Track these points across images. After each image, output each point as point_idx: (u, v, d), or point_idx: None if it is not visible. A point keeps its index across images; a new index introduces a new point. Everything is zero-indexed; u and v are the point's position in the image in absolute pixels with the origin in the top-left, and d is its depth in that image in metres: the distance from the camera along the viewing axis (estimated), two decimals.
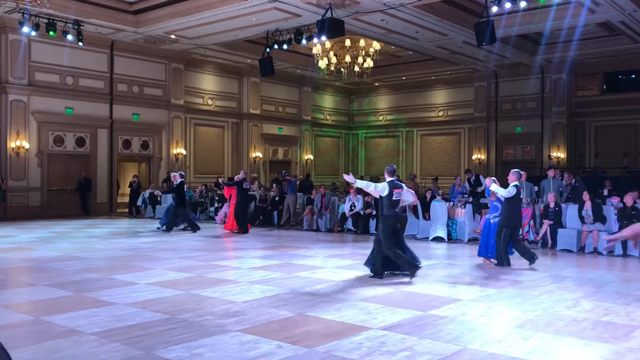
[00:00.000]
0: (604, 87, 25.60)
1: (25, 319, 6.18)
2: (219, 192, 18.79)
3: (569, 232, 12.03)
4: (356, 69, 20.86)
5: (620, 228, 11.34)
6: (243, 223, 15.17)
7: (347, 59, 20.37)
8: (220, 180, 16.51)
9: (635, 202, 11.47)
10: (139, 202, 20.46)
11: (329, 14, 16.10)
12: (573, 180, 14.51)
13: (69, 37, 17.71)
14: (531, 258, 9.74)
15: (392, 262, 8.66)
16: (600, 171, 20.37)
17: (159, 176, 22.64)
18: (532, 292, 7.69)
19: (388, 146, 30.93)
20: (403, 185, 9.07)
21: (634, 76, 24.63)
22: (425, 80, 28.89)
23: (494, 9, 14.72)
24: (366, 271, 8.90)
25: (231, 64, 25.19)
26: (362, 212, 15.18)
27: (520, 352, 5.07)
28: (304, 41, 18.26)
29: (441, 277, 8.89)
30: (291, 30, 18.48)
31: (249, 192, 19.43)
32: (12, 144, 18.65)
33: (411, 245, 12.96)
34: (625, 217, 11.24)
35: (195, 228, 15.34)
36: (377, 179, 18.48)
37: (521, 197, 10.44)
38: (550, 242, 12.20)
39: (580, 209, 11.97)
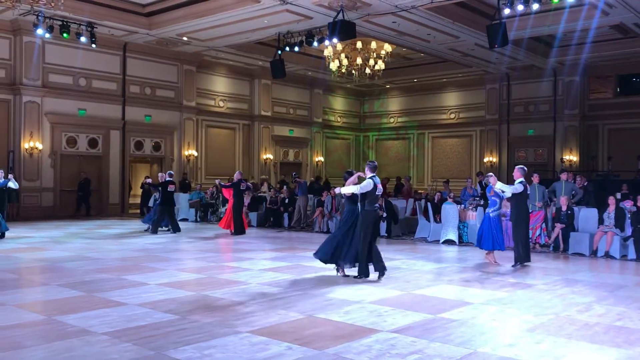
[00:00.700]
0: (617, 90, 25.39)
1: (38, 319, 6.23)
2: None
3: (581, 236, 11.93)
4: (367, 71, 20.84)
5: (634, 232, 11.25)
6: (239, 225, 15.17)
7: (359, 61, 20.36)
8: (217, 182, 16.64)
9: None
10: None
11: (340, 16, 16.10)
12: (585, 183, 14.40)
13: (83, 39, 17.87)
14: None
15: (342, 252, 8.75)
16: (613, 174, 20.20)
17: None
18: (544, 296, 7.64)
19: (398, 150, 30.87)
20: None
21: None
22: (436, 83, 28.82)
23: (506, 11, 14.65)
24: (370, 272, 8.81)
25: (243, 66, 25.28)
26: None
27: (531, 357, 5.04)
28: (315, 43, 18.30)
29: (452, 280, 8.85)
30: (302, 33, 18.52)
31: (259, 194, 19.52)
32: (26, 144, 18.84)
33: (422, 248, 13.01)
34: (639, 221, 11.14)
35: (176, 229, 15.34)
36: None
37: (528, 192, 10.57)
38: (562, 245, 12.10)
39: (601, 212, 11.86)
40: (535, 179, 12.82)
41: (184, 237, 14.57)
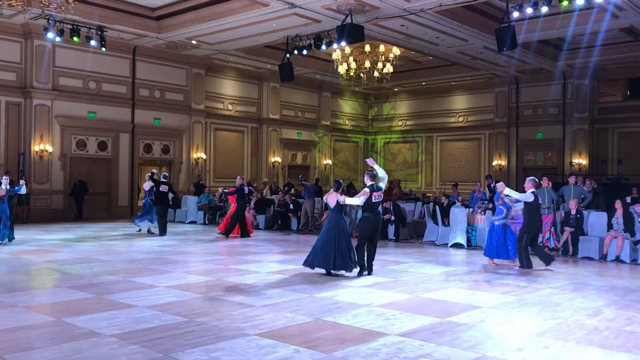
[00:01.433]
0: (627, 93, 25.23)
1: (47, 320, 6.27)
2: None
3: (591, 240, 11.86)
4: (376, 74, 20.83)
5: None
6: (243, 228, 15.33)
7: (367, 64, 20.35)
8: (221, 190, 16.76)
9: None
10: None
11: (348, 20, 16.13)
12: (595, 186, 14.30)
13: (92, 42, 18.02)
14: (548, 260, 10.21)
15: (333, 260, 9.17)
16: (623, 178, 20.07)
17: (179, 180, 22.85)
18: (553, 300, 7.60)
19: (406, 157, 30.80)
20: (382, 187, 9.56)
21: None
22: (445, 86, 28.75)
23: (515, 14, 14.61)
24: (378, 275, 8.85)
25: (251, 70, 25.35)
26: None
27: None
28: (323, 47, 18.34)
29: (460, 283, 8.83)
30: (311, 36, 18.57)
31: (266, 197, 19.57)
32: (36, 147, 18.98)
33: (430, 251, 12.98)
34: None
35: (162, 232, 15.38)
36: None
37: (539, 202, 10.53)
38: (571, 249, 12.04)
39: (610, 216, 11.79)
40: (545, 182, 12.76)
41: (192, 239, 14.61)
